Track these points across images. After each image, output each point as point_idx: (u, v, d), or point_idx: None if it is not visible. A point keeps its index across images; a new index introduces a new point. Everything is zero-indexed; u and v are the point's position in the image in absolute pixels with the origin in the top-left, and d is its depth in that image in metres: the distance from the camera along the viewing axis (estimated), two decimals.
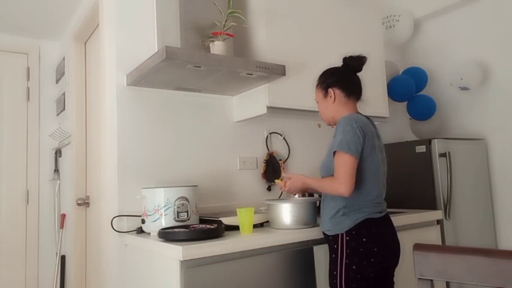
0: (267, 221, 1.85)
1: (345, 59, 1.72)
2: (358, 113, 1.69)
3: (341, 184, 1.48)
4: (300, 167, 2.54)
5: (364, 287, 1.49)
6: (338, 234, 1.56)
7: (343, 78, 1.70)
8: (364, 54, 1.71)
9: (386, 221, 1.61)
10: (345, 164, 1.49)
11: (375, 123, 1.73)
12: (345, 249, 1.53)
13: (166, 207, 1.70)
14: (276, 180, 1.82)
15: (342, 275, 1.52)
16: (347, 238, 1.54)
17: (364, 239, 1.52)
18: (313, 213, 1.77)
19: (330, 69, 1.75)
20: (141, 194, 1.80)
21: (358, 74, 1.73)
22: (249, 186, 2.33)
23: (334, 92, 1.68)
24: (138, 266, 1.75)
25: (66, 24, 2.96)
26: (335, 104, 1.68)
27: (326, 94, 1.70)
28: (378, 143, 1.63)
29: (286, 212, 1.73)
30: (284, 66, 1.95)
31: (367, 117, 1.68)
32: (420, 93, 3.00)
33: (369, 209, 1.55)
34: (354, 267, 1.50)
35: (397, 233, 1.64)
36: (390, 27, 3.05)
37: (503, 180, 2.78)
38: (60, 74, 3.07)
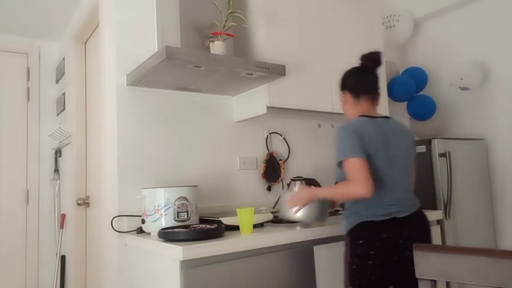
0: (267, 221, 1.85)
1: (360, 58, 1.72)
2: (364, 115, 1.64)
3: (357, 186, 1.46)
4: (300, 167, 2.54)
5: (364, 286, 1.50)
6: (346, 234, 1.61)
7: (352, 79, 1.72)
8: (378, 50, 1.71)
9: (392, 224, 1.52)
10: (354, 167, 1.47)
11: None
12: (348, 248, 1.57)
13: (166, 207, 1.70)
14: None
15: (346, 273, 1.56)
16: (349, 239, 1.57)
17: (361, 242, 1.52)
18: (323, 210, 1.76)
19: (346, 71, 1.77)
20: (141, 194, 1.80)
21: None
22: (249, 186, 2.33)
23: (345, 95, 1.72)
24: (138, 266, 1.75)
25: (66, 24, 2.96)
26: (347, 106, 1.72)
27: (342, 97, 1.75)
28: (382, 142, 1.56)
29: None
30: (284, 66, 1.95)
31: (375, 117, 1.64)
32: (420, 93, 3.00)
33: (368, 212, 1.54)
34: (354, 267, 1.53)
35: (415, 235, 1.53)
36: (390, 27, 3.05)
37: (504, 180, 2.77)
38: (60, 74, 3.07)
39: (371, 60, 1.68)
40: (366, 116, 1.63)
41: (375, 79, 1.70)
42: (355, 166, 1.47)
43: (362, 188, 1.45)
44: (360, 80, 1.70)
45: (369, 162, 1.50)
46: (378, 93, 1.72)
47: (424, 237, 1.60)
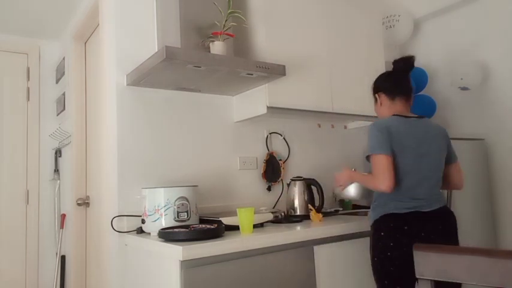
0: (267, 221, 1.86)
1: (393, 62, 1.81)
2: (396, 115, 1.69)
3: (379, 181, 1.56)
4: (300, 167, 2.54)
5: (384, 278, 1.58)
6: (371, 226, 1.69)
7: (386, 82, 1.80)
8: (412, 54, 1.80)
9: (415, 217, 1.58)
10: (378, 163, 1.57)
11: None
12: (372, 239, 1.66)
13: (166, 207, 1.70)
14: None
15: (371, 262, 1.66)
16: (372, 231, 1.66)
17: (382, 233, 1.60)
18: (370, 190, 1.81)
19: (379, 75, 1.85)
20: (141, 194, 1.80)
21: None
22: (249, 186, 2.33)
23: (380, 97, 1.80)
24: (138, 266, 1.75)
25: (66, 24, 2.96)
26: (382, 108, 1.80)
27: (376, 99, 1.83)
28: (412, 140, 1.62)
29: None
30: (284, 66, 1.95)
31: (408, 116, 1.69)
32: (420, 93, 3.00)
33: (393, 204, 1.61)
34: (375, 259, 1.62)
35: (438, 230, 1.59)
36: (390, 27, 3.04)
37: (503, 180, 2.77)
38: (60, 74, 3.08)
39: (404, 64, 1.78)
40: (399, 115, 1.70)
41: (408, 81, 1.80)
42: (380, 162, 1.57)
43: (383, 184, 1.55)
44: (395, 82, 1.79)
45: (394, 158, 1.58)
46: (412, 95, 1.79)
47: (449, 232, 1.64)
